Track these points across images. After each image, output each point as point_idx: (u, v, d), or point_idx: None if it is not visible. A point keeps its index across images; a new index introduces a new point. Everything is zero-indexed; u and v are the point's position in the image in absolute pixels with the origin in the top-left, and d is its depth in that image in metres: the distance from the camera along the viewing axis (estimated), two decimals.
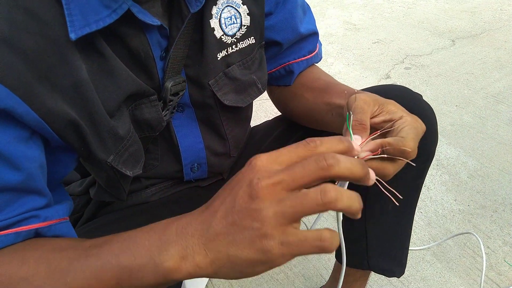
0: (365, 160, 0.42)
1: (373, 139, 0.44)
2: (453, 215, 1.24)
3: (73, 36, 0.41)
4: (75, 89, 0.43)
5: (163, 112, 0.57)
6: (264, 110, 1.75)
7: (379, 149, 0.41)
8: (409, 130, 0.43)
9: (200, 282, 1.04)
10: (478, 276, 1.05)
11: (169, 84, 0.54)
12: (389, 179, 0.44)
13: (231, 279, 0.34)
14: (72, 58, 0.43)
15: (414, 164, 0.42)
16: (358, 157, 0.41)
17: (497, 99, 1.76)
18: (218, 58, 0.57)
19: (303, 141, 0.33)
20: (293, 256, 0.31)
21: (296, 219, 0.31)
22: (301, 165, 0.31)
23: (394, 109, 0.46)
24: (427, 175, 1.37)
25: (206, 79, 0.57)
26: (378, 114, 0.46)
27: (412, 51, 2.20)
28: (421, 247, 1.14)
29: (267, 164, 0.32)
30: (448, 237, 1.14)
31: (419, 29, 2.45)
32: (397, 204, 0.42)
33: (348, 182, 0.39)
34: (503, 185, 1.33)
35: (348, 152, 0.33)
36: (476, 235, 1.01)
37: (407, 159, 0.42)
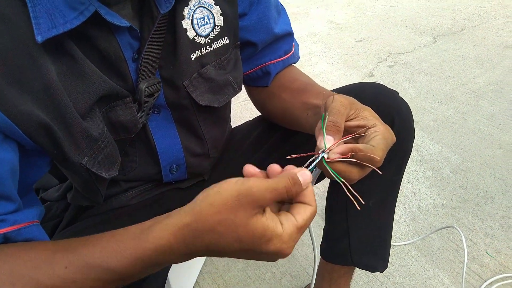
0: (333, 162, 0.43)
1: (344, 142, 0.45)
2: (437, 210, 1.26)
3: (39, 38, 0.40)
4: (45, 92, 0.43)
5: (139, 114, 0.56)
6: (249, 110, 1.75)
7: (349, 154, 0.42)
8: (380, 140, 0.44)
9: (187, 283, 1.04)
10: (461, 268, 1.07)
11: (143, 85, 0.54)
12: (365, 176, 0.46)
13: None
14: (41, 61, 0.42)
15: (381, 172, 0.44)
16: (328, 158, 0.43)
17: (478, 95, 1.79)
18: (192, 59, 0.57)
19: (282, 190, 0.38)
20: None
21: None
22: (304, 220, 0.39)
23: (369, 116, 0.47)
24: (411, 171, 1.39)
25: (181, 80, 0.57)
26: (353, 118, 0.47)
27: (394, 49, 2.23)
28: (405, 242, 1.15)
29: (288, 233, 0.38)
30: (431, 232, 1.15)
31: (401, 27, 2.48)
32: (359, 208, 0.44)
33: (318, 173, 0.45)
34: (484, 179, 1.35)
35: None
36: (458, 229, 1.02)
37: (373, 166, 0.43)
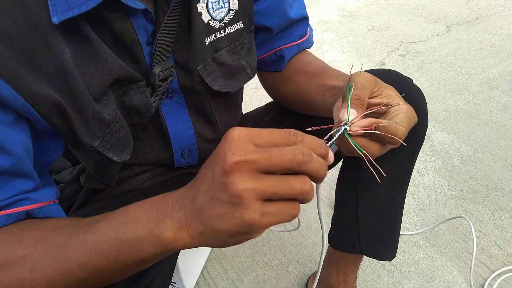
0: (355, 136, 0.42)
1: (365, 116, 0.44)
2: (446, 200, 1.25)
3: (55, 20, 0.40)
4: (59, 73, 0.43)
5: (152, 98, 0.56)
6: (258, 98, 1.75)
7: (372, 126, 0.41)
8: (404, 118, 0.43)
9: (195, 268, 1.06)
10: (469, 259, 1.07)
11: (157, 69, 0.53)
12: (377, 162, 0.45)
13: (218, 247, 0.37)
14: (56, 42, 0.42)
15: (406, 144, 0.43)
16: (350, 130, 0.42)
17: (491, 85, 1.76)
18: (206, 43, 0.57)
19: (286, 130, 0.34)
20: (272, 224, 0.33)
21: (274, 197, 0.32)
22: (279, 153, 0.32)
23: (392, 94, 0.46)
24: (420, 161, 1.38)
25: (195, 64, 0.57)
26: (376, 96, 0.46)
27: (407, 38, 2.19)
28: (414, 232, 1.15)
29: (244, 140, 0.33)
30: (440, 222, 1.15)
31: (414, 16, 2.44)
32: (380, 182, 0.42)
33: (335, 150, 0.42)
34: (495, 170, 1.34)
35: (323, 157, 0.34)
36: (468, 219, 1.02)
37: (393, 144, 0.42)
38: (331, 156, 0.36)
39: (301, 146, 0.33)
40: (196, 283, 1.05)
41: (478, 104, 1.65)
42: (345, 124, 0.42)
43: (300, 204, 0.34)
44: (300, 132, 0.34)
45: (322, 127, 0.45)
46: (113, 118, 0.51)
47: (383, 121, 0.41)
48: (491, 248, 1.10)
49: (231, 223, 0.32)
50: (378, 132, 0.41)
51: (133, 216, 0.37)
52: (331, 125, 0.44)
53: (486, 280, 1.02)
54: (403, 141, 0.41)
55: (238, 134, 0.33)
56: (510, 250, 1.09)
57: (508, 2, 2.53)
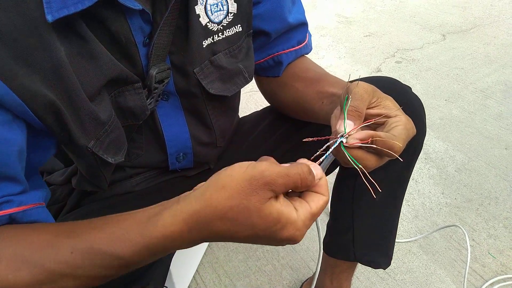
0: (351, 148, 0.42)
1: (362, 128, 0.43)
2: (440, 208, 1.25)
3: (49, 18, 0.39)
4: (53, 72, 0.42)
5: (148, 101, 0.55)
6: (254, 101, 1.74)
7: (369, 140, 0.41)
8: (402, 130, 0.43)
9: (187, 272, 1.04)
10: (463, 268, 1.06)
11: (153, 71, 0.52)
12: (373, 170, 0.44)
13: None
14: (51, 40, 0.41)
15: (402, 160, 0.42)
16: (347, 142, 0.42)
17: (486, 94, 1.77)
18: (204, 46, 0.56)
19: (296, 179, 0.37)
20: None
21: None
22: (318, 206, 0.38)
23: (391, 105, 0.46)
24: (415, 168, 1.38)
25: (191, 67, 0.56)
26: (375, 107, 0.46)
27: (403, 45, 2.21)
28: (407, 240, 1.15)
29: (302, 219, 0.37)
30: (434, 230, 1.15)
31: (410, 23, 2.46)
32: (374, 197, 0.42)
33: (330, 161, 0.44)
34: (489, 179, 1.34)
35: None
36: (462, 228, 1.02)
37: (391, 157, 0.42)
38: (319, 175, 0.39)
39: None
40: (188, 287, 1.03)
41: (472, 113, 1.66)
42: (342, 136, 0.42)
43: None
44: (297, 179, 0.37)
45: (319, 138, 0.45)
46: (108, 118, 0.50)
47: (381, 134, 0.41)
48: (484, 257, 1.10)
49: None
50: (375, 146, 0.40)
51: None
52: (327, 137, 0.44)
53: None
54: (399, 156, 0.41)
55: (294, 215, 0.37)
56: (503, 259, 1.09)
57: (503, 13, 2.56)
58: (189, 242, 0.38)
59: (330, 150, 0.42)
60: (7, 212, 0.41)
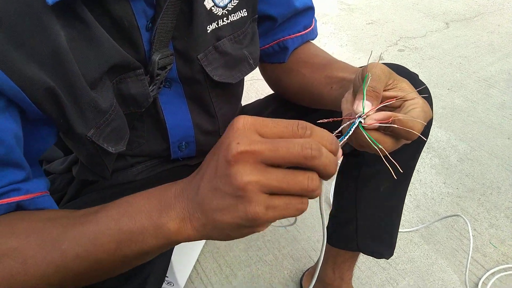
0: (370, 129, 0.40)
1: (379, 109, 0.42)
2: (442, 198, 1.25)
3: (50, 0, 0.37)
4: (53, 57, 0.41)
5: (150, 87, 0.54)
6: (255, 90, 1.72)
7: (389, 120, 0.39)
8: (420, 113, 0.41)
9: (188, 262, 1.04)
10: (464, 258, 1.06)
11: (156, 57, 0.51)
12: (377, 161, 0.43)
13: (223, 240, 0.35)
14: (50, 24, 0.39)
15: (425, 139, 0.41)
16: (365, 123, 0.40)
17: (489, 83, 1.76)
18: (208, 31, 0.54)
19: (295, 121, 0.32)
20: (278, 218, 0.32)
21: (279, 192, 0.31)
22: (286, 145, 0.30)
23: (407, 87, 0.44)
24: None
25: (195, 52, 0.54)
26: (391, 89, 0.44)
27: (406, 33, 2.18)
28: (409, 229, 1.15)
29: (250, 129, 0.31)
30: (436, 220, 1.15)
31: (413, 11, 2.42)
32: (395, 178, 0.41)
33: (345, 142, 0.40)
34: (491, 169, 1.33)
35: (333, 153, 0.32)
36: (464, 218, 1.01)
37: (409, 139, 0.40)
38: (339, 153, 0.34)
39: (310, 139, 0.31)
40: (189, 277, 1.03)
41: (475, 102, 1.64)
42: (360, 116, 0.40)
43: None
44: (310, 124, 0.32)
45: (334, 119, 0.43)
46: (109, 107, 0.48)
47: (399, 115, 0.39)
48: (485, 247, 1.10)
49: (234, 216, 0.31)
50: (395, 126, 0.39)
51: (134, 206, 0.36)
52: (343, 117, 0.42)
53: (480, 279, 1.02)
54: (421, 135, 0.40)
55: (243, 122, 0.31)
56: (505, 249, 1.09)
57: (507, 0, 2.52)
58: (182, 209, 0.35)
59: (350, 129, 0.40)
60: (16, 199, 0.40)
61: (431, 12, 2.40)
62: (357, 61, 1.93)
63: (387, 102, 0.43)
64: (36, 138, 0.47)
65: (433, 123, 1.53)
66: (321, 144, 0.31)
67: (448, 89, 1.73)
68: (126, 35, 0.47)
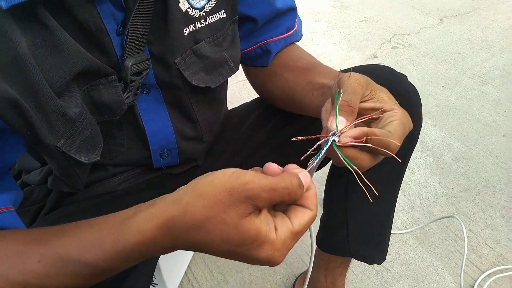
0: (345, 147, 0.38)
1: (356, 125, 0.40)
2: (437, 198, 1.23)
3: (3, 4, 0.35)
4: (13, 65, 0.38)
5: (125, 94, 0.51)
6: (247, 91, 1.70)
7: (363, 138, 0.37)
8: (398, 126, 0.39)
9: (178, 268, 1.02)
10: (460, 259, 1.05)
11: (129, 62, 0.48)
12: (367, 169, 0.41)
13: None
14: (9, 30, 0.37)
15: (399, 160, 0.39)
16: (339, 141, 0.38)
17: (483, 80, 1.74)
18: (185, 34, 0.52)
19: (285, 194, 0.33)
20: None
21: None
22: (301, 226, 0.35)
23: (386, 98, 0.42)
24: (412, 158, 1.35)
25: (172, 57, 0.52)
26: (368, 100, 0.42)
27: (399, 30, 2.15)
28: (404, 231, 1.13)
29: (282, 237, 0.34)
30: (431, 221, 1.13)
31: (407, 7, 2.40)
32: (371, 200, 0.39)
33: (321, 160, 0.40)
34: (486, 168, 1.32)
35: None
36: (459, 219, 0.99)
37: (386, 156, 0.38)
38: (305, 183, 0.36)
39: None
40: (180, 283, 1.01)
41: (470, 99, 1.63)
42: (334, 134, 0.38)
43: None
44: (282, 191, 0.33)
45: (309, 137, 0.41)
46: (79, 115, 0.46)
47: (376, 131, 0.37)
48: (481, 248, 1.08)
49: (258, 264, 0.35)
50: (370, 145, 0.37)
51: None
52: (318, 135, 0.40)
53: (475, 281, 1.00)
54: (395, 155, 0.38)
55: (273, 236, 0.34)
56: (500, 250, 1.08)
57: None
58: (164, 248, 0.35)
59: (322, 151, 0.38)
60: None
61: (425, 8, 2.38)
62: (351, 59, 1.91)
63: (363, 119, 0.40)
64: (3, 148, 0.44)
65: (427, 121, 1.51)
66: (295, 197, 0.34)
67: (443, 86, 1.71)
68: (95, 40, 0.45)
